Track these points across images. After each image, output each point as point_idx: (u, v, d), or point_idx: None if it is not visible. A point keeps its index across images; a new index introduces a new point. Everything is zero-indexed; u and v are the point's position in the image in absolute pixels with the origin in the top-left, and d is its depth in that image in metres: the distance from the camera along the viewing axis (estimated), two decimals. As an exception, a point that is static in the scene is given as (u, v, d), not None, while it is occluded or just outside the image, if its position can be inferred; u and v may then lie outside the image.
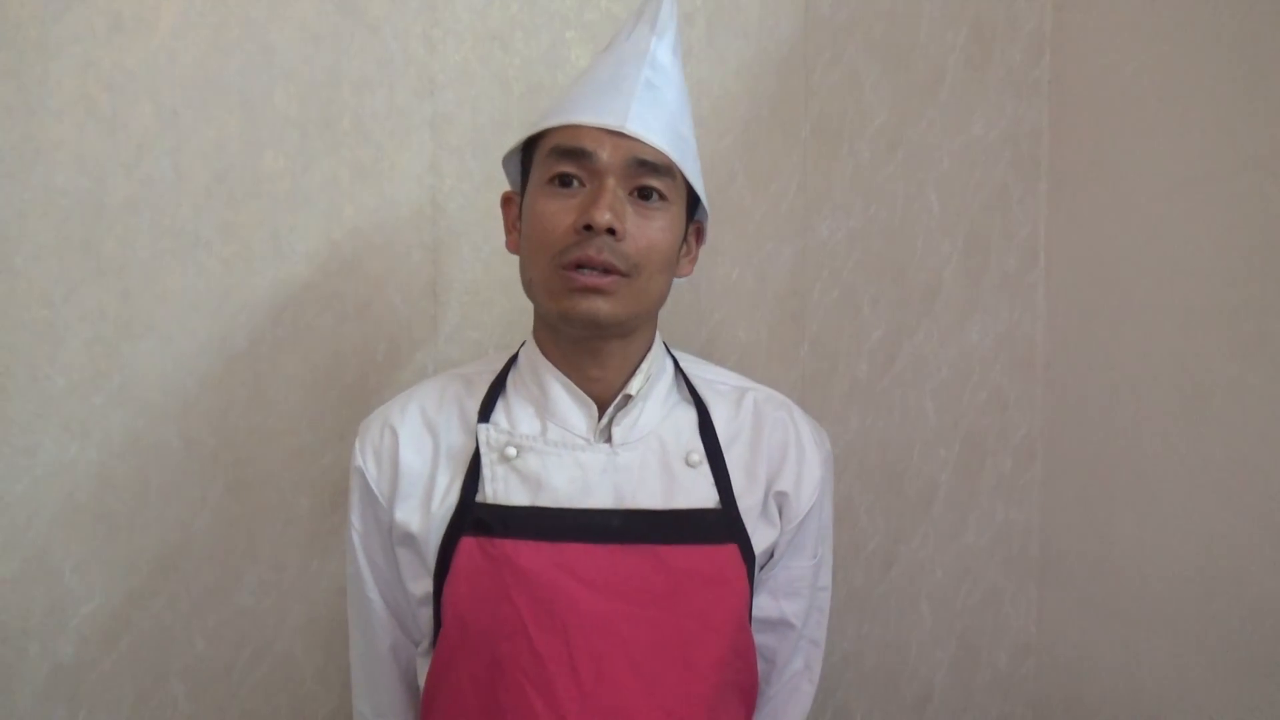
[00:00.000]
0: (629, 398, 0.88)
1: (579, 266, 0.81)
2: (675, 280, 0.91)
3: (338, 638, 1.16)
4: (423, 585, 0.87)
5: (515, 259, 1.18)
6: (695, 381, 0.94)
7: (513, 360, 0.94)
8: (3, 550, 1.05)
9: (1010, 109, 1.33)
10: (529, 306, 1.18)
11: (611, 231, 0.80)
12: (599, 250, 0.80)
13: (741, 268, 1.26)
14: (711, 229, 1.22)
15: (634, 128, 0.82)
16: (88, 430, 1.07)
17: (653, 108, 0.85)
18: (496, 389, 0.91)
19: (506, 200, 0.93)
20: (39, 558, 1.06)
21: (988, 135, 1.33)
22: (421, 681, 0.90)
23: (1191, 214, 1.11)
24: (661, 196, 0.84)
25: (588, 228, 0.80)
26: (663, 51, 0.88)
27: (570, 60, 1.19)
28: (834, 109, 1.28)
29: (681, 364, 0.95)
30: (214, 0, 1.08)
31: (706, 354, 1.19)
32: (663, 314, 0.93)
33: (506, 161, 0.93)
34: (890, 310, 1.31)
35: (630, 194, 0.83)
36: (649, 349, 0.91)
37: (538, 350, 0.90)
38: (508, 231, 0.92)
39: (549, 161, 0.84)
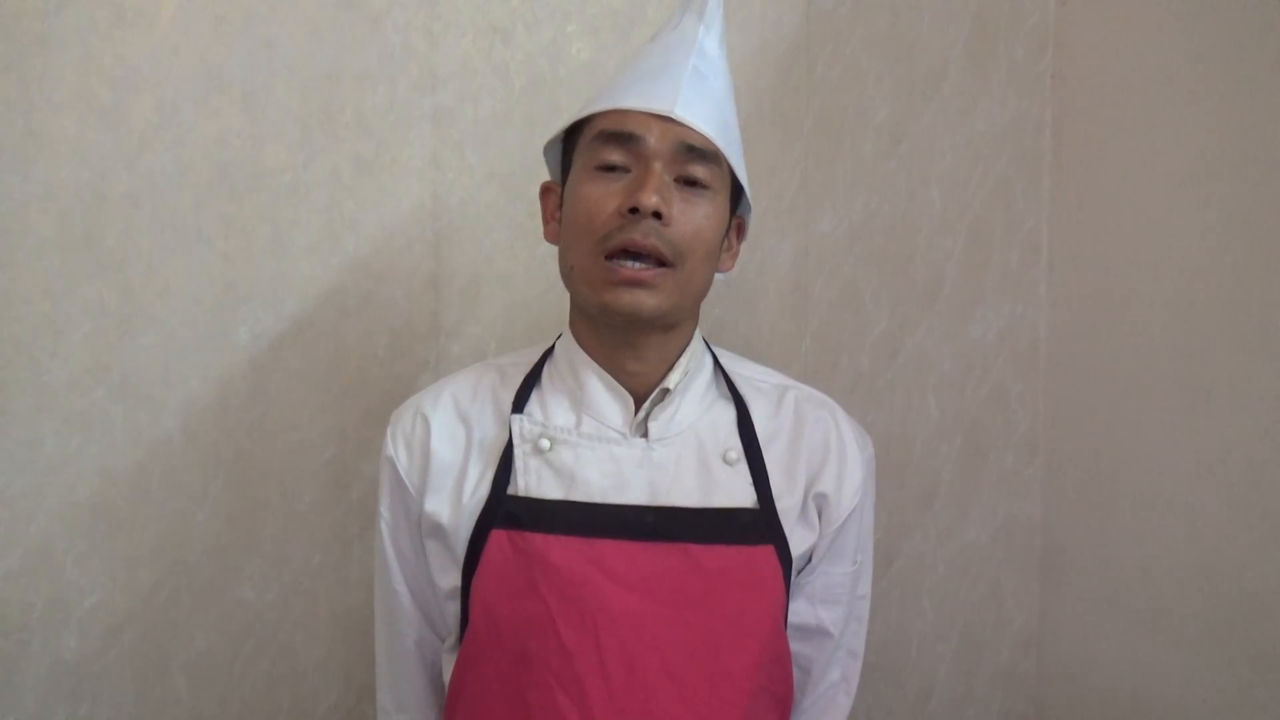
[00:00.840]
0: (666, 392, 0.87)
1: (624, 252, 0.80)
2: (717, 275, 0.90)
3: (339, 631, 1.16)
4: (451, 578, 0.86)
5: (515, 254, 1.19)
6: (735, 378, 0.92)
7: (549, 352, 0.93)
8: (4, 544, 1.05)
9: (1013, 104, 1.33)
10: (530, 301, 1.19)
11: (658, 215, 0.79)
12: (645, 235, 0.79)
13: (743, 262, 1.25)
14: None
15: (682, 113, 0.81)
16: (89, 424, 1.07)
17: (700, 95, 0.84)
18: (531, 380, 0.90)
19: (545, 190, 0.91)
20: (41, 552, 1.06)
21: (990, 130, 1.32)
22: (447, 677, 0.89)
23: (1194, 209, 1.10)
24: (706, 185, 0.83)
25: (634, 210, 0.79)
26: (710, 42, 0.88)
27: (571, 54, 1.19)
28: (836, 103, 1.28)
29: (721, 360, 0.94)
30: (215, -6, 1.08)
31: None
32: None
33: (547, 150, 0.91)
34: (892, 305, 1.31)
35: (676, 180, 0.82)
36: (688, 343, 0.89)
37: (574, 342, 0.89)
38: (545, 221, 0.91)
39: (594, 146, 0.83)
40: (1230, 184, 1.06)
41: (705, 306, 1.23)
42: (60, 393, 1.06)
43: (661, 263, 0.81)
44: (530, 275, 1.19)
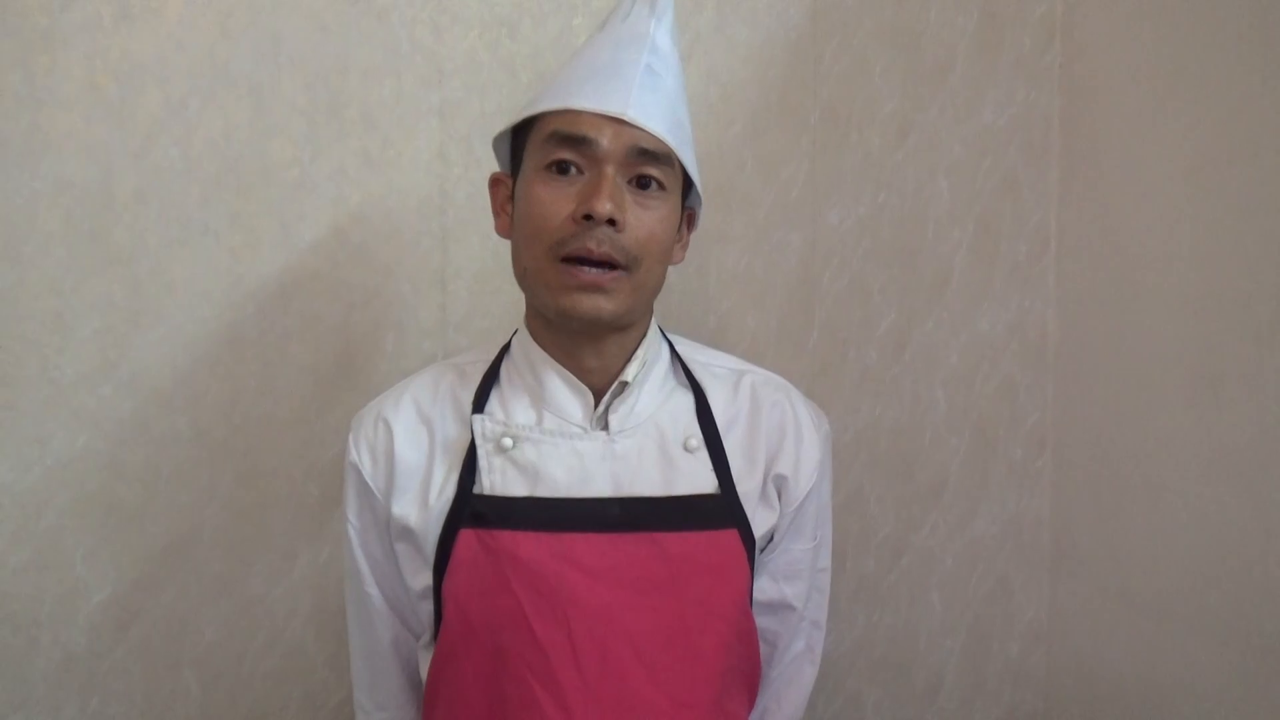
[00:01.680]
0: (625, 384, 0.87)
1: (578, 260, 0.80)
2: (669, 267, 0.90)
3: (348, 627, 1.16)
4: (422, 579, 0.87)
5: (524, 247, 1.18)
6: (692, 365, 0.93)
7: (505, 349, 0.93)
8: (15, 540, 1.06)
9: (1021, 95, 1.32)
10: (536, 295, 1.19)
11: (612, 222, 0.79)
12: (599, 242, 0.79)
13: (750, 256, 1.25)
14: (720, 216, 1.22)
15: (635, 115, 0.81)
16: (98, 420, 1.07)
17: (653, 94, 0.83)
18: (490, 379, 0.90)
19: (495, 181, 0.91)
20: (50, 547, 1.07)
21: (998, 121, 1.32)
22: (424, 673, 0.89)
23: (1204, 200, 1.10)
24: (660, 186, 0.83)
25: (588, 218, 0.79)
26: (662, 35, 0.87)
27: (577, 47, 1.18)
28: (843, 96, 1.27)
29: (678, 348, 0.94)
30: (221, -11, 1.08)
31: (715, 342, 1.18)
32: (671, 302, 0.93)
33: (496, 142, 0.91)
34: (900, 298, 1.31)
35: (629, 182, 0.82)
36: (644, 335, 0.90)
37: (531, 339, 0.89)
38: (496, 214, 0.91)
39: (546, 147, 0.82)
40: (1239, 175, 1.05)
41: (711, 301, 1.24)
42: (69, 389, 1.06)
43: (615, 267, 0.81)
44: (537, 269, 1.19)
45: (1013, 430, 1.35)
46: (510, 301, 1.19)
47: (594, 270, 0.80)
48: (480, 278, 1.18)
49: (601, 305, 0.81)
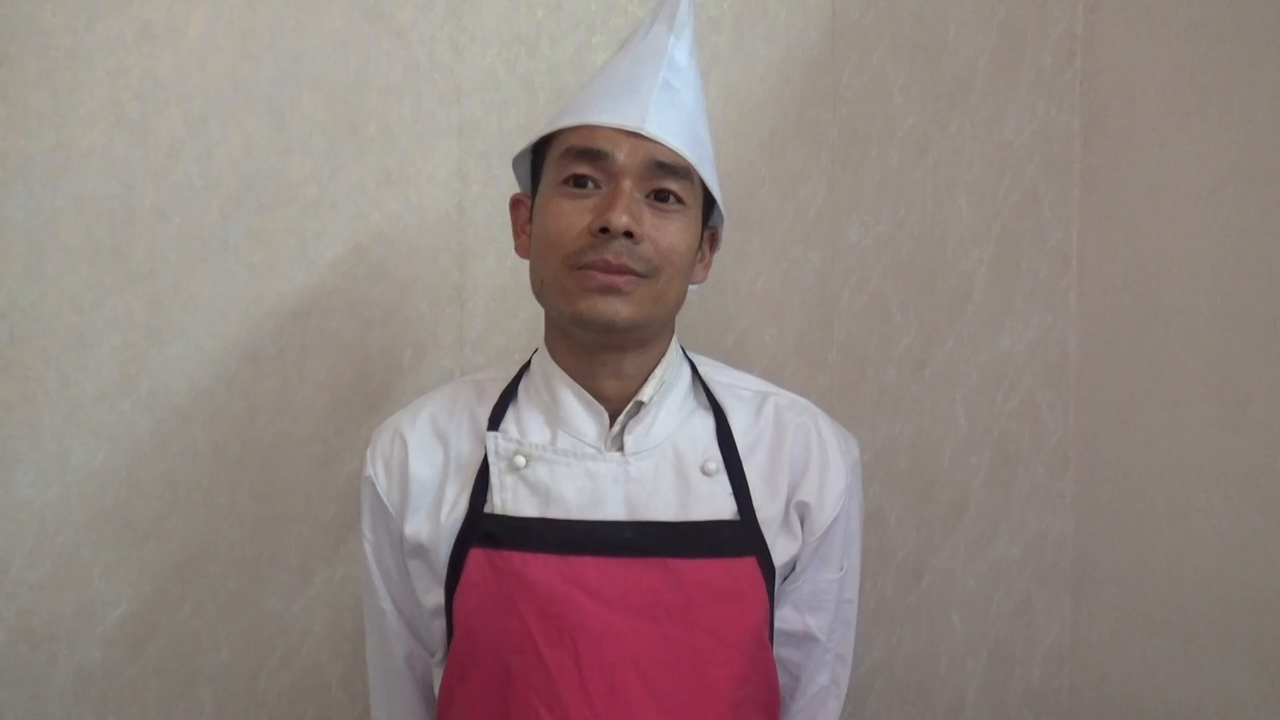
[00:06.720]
0: (641, 405, 0.86)
1: (595, 269, 0.79)
2: (690, 287, 0.89)
3: (363, 645, 1.16)
4: (435, 597, 0.86)
5: (542, 265, 1.18)
6: (714, 387, 0.91)
7: (526, 367, 0.92)
8: (33, 555, 1.06)
9: (1041, 112, 1.31)
10: (554, 312, 1.19)
11: (629, 235, 0.78)
12: (616, 255, 0.78)
13: (769, 273, 1.25)
14: (738, 233, 1.22)
15: (652, 129, 0.80)
16: (116, 436, 1.08)
17: (671, 109, 0.83)
18: (508, 396, 0.89)
19: (515, 203, 0.91)
20: (68, 562, 1.07)
21: (1018, 138, 1.31)
22: (437, 690, 0.89)
23: (1227, 217, 1.09)
24: (679, 199, 0.82)
25: (604, 230, 0.78)
26: (680, 52, 0.86)
27: (595, 65, 1.19)
28: (862, 112, 1.27)
29: (700, 369, 0.93)
30: (243, 8, 1.09)
31: (733, 360, 1.18)
32: (689, 319, 0.92)
33: (516, 163, 0.91)
34: (920, 316, 1.30)
35: (647, 196, 0.81)
36: (664, 355, 0.88)
37: (549, 357, 0.88)
38: (516, 235, 0.90)
39: (563, 162, 0.82)
40: (1263, 193, 1.04)
41: (730, 318, 1.24)
42: (88, 405, 1.07)
43: (633, 274, 0.80)
44: (555, 287, 1.19)
45: (1034, 450, 1.34)
46: (528, 319, 1.18)
47: (609, 275, 0.79)
48: (498, 295, 1.18)
49: (618, 309, 0.79)
